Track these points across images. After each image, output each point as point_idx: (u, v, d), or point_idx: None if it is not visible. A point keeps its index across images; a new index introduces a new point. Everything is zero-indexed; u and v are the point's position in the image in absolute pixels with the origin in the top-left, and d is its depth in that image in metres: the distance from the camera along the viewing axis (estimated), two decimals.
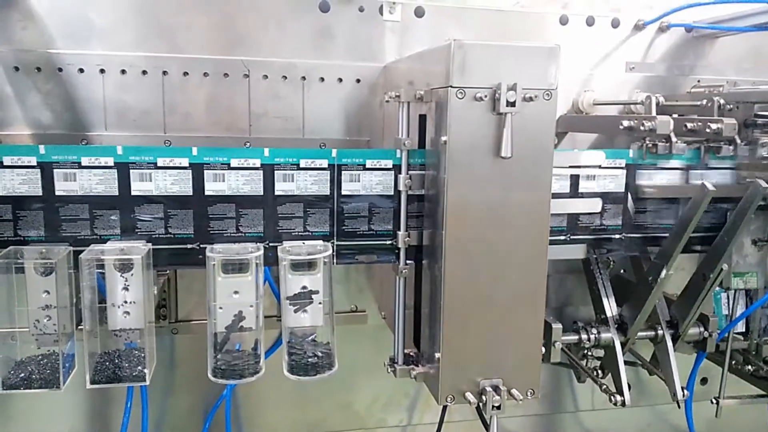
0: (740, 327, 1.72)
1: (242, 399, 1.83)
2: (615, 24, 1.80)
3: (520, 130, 1.21)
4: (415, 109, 1.36)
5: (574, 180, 1.49)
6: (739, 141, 1.44)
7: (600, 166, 1.49)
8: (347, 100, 1.71)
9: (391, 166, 1.37)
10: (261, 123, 1.68)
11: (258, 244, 1.32)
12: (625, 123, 1.48)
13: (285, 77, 1.67)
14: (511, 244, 1.26)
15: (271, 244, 1.34)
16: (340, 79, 1.69)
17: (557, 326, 1.48)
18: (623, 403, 1.52)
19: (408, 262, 1.40)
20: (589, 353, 1.67)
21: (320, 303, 1.30)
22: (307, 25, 1.66)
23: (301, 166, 1.33)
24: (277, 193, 1.33)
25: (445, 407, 1.67)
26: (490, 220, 1.24)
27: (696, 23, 1.79)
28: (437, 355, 1.27)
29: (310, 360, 1.28)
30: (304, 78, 1.67)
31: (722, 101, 1.50)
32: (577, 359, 1.65)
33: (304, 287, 1.29)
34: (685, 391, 1.55)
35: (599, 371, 1.67)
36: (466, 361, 1.28)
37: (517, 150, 1.22)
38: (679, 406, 1.62)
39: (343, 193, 1.36)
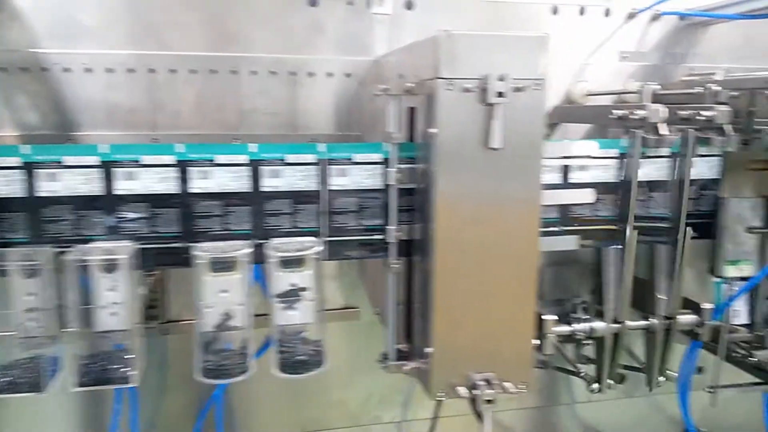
0: (744, 318, 1.70)
1: (235, 399, 1.81)
2: (607, 13, 1.77)
3: (510, 121, 1.20)
4: (404, 102, 1.34)
5: (566, 171, 1.47)
6: (729, 130, 1.42)
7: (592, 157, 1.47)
8: (337, 94, 1.69)
9: (380, 160, 1.35)
10: (251, 120, 1.66)
11: (246, 241, 1.30)
12: (617, 112, 1.46)
13: (274, 73, 1.65)
14: (501, 237, 1.24)
15: (259, 242, 1.32)
16: (330, 74, 1.67)
17: (549, 318, 1.47)
18: (599, 390, 1.51)
19: (399, 257, 1.38)
20: (584, 343, 1.65)
21: (310, 300, 1.28)
22: (295, 20, 1.64)
23: (288, 161, 1.31)
24: (264, 189, 1.31)
25: (439, 402, 1.65)
26: (481, 213, 1.23)
27: (688, 11, 1.77)
28: (429, 350, 1.25)
29: (299, 358, 1.27)
30: (293, 73, 1.65)
31: (717, 88, 1.48)
32: (568, 353, 1.64)
33: (294, 284, 1.28)
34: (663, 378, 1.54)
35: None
36: (458, 355, 1.27)
37: (507, 141, 1.20)
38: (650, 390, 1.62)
39: (332, 188, 1.34)
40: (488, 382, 1.25)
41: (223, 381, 1.27)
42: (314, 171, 1.32)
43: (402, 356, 1.40)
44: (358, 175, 1.34)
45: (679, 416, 1.91)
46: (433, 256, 1.23)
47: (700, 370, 2.01)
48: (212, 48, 1.60)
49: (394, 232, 1.36)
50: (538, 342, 1.32)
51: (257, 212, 1.32)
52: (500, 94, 1.17)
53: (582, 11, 1.76)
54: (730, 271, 1.57)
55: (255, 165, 1.30)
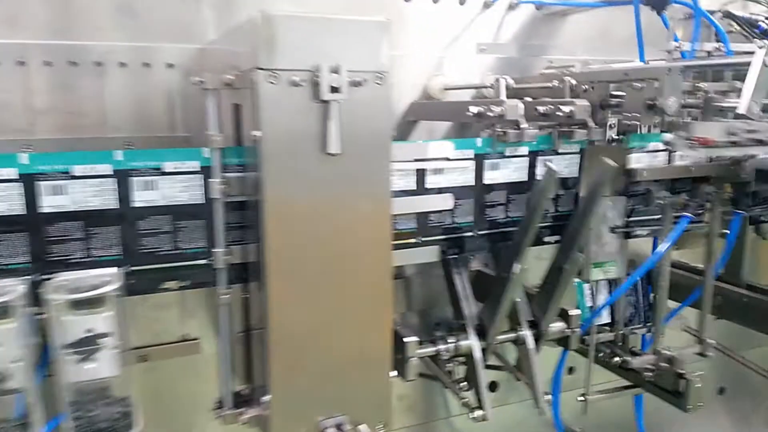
0: (606, 318, 1.66)
1: None
2: (462, 1, 1.64)
3: (350, 121, 1.02)
4: (229, 97, 1.12)
5: (422, 175, 1.32)
6: (592, 124, 1.34)
7: (448, 158, 1.33)
8: (157, 88, 1.41)
9: (199, 169, 1.11)
10: (47, 121, 1.34)
11: (22, 278, 1.02)
12: (473, 109, 1.32)
13: (74, 63, 1.34)
14: (347, 255, 1.06)
15: (42, 277, 1.04)
16: (147, 64, 1.40)
17: (411, 340, 1.30)
18: (483, 418, 1.38)
19: (232, 284, 1.15)
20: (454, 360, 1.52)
21: (112, 348, 1.02)
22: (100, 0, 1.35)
23: (75, 173, 1.04)
24: (44, 209, 1.03)
25: None
26: (322, 228, 1.04)
27: (546, 0, 1.68)
28: (266, 398, 1.04)
29: (101, 425, 1.00)
30: (99, 64, 1.36)
31: (574, 82, 1.40)
32: (440, 369, 1.50)
33: (90, 330, 1.01)
34: (548, 397, 1.44)
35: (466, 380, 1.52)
36: (303, 397, 1.07)
37: (347, 144, 1.02)
38: (542, 413, 1.52)
39: (136, 204, 1.08)
40: (339, 428, 1.06)
41: None
42: (111, 184, 1.06)
43: (242, 401, 1.18)
44: (170, 188, 1.10)
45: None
46: (265, 281, 1.02)
47: (571, 370, 1.97)
48: None
49: (222, 256, 1.13)
50: (395, 373, 1.15)
51: (35, 239, 1.03)
52: (335, 89, 0.98)
53: None
54: (596, 274, 1.50)
55: (29, 180, 1.02)
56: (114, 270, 1.06)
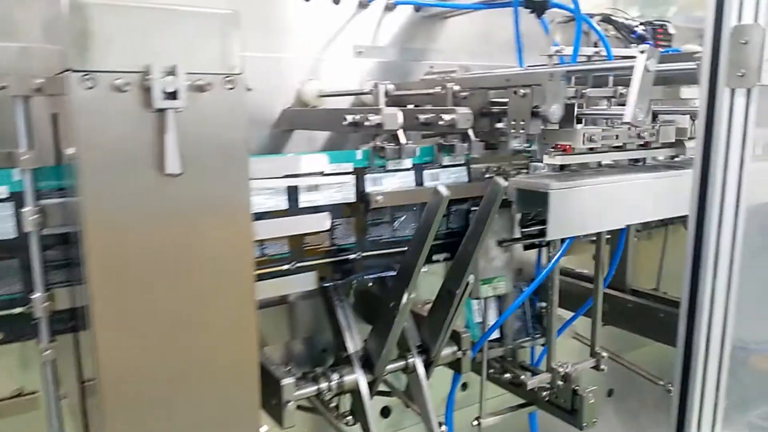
0: (495, 333, 1.58)
1: None
2: (336, 0, 1.51)
3: (194, 133, 0.84)
4: (50, 106, 0.91)
5: (294, 192, 1.16)
6: (473, 136, 1.24)
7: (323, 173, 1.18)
8: None
9: (7, 195, 0.89)
10: None
11: None
12: (350, 117, 1.19)
13: None
14: (199, 292, 0.89)
15: None
16: None
17: (288, 381, 1.14)
18: None
19: (57, 335, 0.94)
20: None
21: None
22: None
23: None
24: None
25: None
26: (162, 263, 0.85)
27: (424, 1, 1.59)
28: None
29: None
30: None
31: (457, 88, 1.30)
32: (324, 404, 1.34)
33: None
34: (444, 427, 1.34)
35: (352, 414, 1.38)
36: None
37: (191, 161, 0.84)
38: None
39: None
40: None
41: None
42: None
43: None
44: None
45: None
46: (92, 330, 0.82)
47: (464, 386, 1.89)
48: None
49: (41, 302, 0.91)
50: (266, 429, 0.99)
51: None
52: (171, 95, 0.81)
53: None
54: (486, 291, 1.41)
55: None
56: None
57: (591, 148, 1.20)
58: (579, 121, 1.20)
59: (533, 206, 1.17)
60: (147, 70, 0.79)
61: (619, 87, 1.24)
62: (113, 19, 0.77)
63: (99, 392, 0.84)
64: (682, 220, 0.99)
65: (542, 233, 1.40)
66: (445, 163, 1.31)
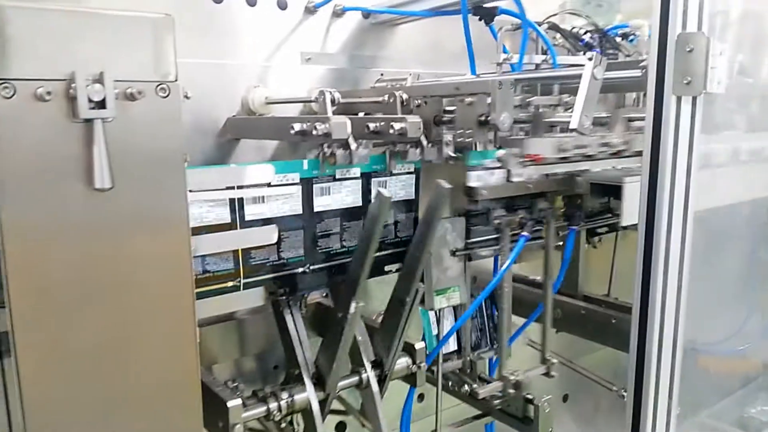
0: (452, 345, 1.56)
1: None
2: (282, 5, 1.47)
3: (126, 144, 0.79)
4: None
5: (239, 205, 1.11)
6: (425, 143, 1.22)
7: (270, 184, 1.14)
8: None
9: None
10: None
11: None
12: (297, 126, 1.15)
13: None
14: (132, 313, 0.83)
15: None
16: None
17: (234, 404, 1.09)
18: None
19: None
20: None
21: None
22: None
23: None
24: None
25: None
26: (93, 283, 0.80)
27: (373, 7, 1.56)
28: None
29: None
30: None
31: (406, 96, 1.28)
32: (275, 424, 1.29)
33: None
34: None
35: None
36: None
37: (123, 174, 0.79)
38: None
39: None
40: None
41: None
42: None
43: None
44: None
45: None
46: (14, 362, 0.76)
47: (421, 397, 1.86)
48: None
49: None
50: None
51: None
52: (98, 104, 0.75)
53: (251, 1, 1.42)
54: (440, 302, 1.39)
55: None
56: None
57: (563, 158, 1.21)
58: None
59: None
60: (71, 77, 0.74)
61: (564, 95, 1.24)
62: (32, 22, 0.72)
63: (26, 423, 0.77)
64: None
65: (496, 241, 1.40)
66: (395, 171, 1.28)
